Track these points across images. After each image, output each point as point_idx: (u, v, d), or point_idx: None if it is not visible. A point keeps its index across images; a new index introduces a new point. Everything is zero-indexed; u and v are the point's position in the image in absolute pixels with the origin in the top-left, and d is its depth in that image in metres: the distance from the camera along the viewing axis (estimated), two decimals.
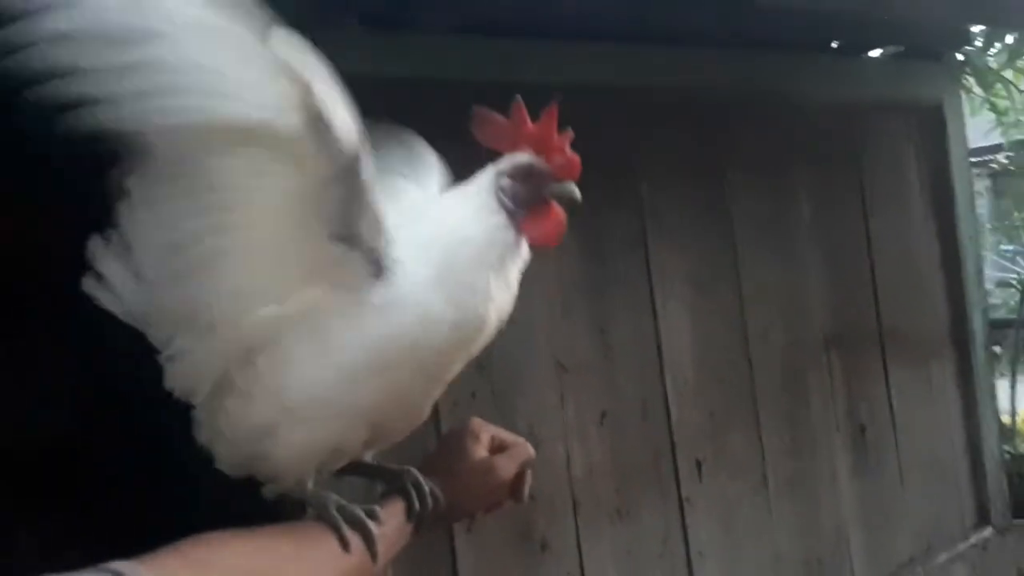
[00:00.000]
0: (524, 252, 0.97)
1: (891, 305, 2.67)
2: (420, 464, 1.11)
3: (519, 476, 1.12)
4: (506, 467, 1.09)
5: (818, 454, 2.44)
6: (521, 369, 1.88)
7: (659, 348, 2.13)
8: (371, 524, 0.92)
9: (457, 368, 1.03)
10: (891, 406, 2.64)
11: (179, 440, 0.94)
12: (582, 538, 1.94)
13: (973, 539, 2.78)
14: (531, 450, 1.13)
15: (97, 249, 0.89)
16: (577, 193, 0.96)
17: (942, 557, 2.66)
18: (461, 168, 1.86)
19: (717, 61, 2.23)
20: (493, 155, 1.00)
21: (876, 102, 2.68)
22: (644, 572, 2.05)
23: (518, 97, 0.95)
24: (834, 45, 2.71)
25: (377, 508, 0.96)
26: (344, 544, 0.89)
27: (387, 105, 1.69)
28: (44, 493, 1.22)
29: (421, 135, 1.76)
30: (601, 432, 2.02)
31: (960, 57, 2.97)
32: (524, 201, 0.94)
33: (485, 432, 1.11)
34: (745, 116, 2.34)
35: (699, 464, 2.18)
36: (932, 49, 2.82)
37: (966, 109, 4.52)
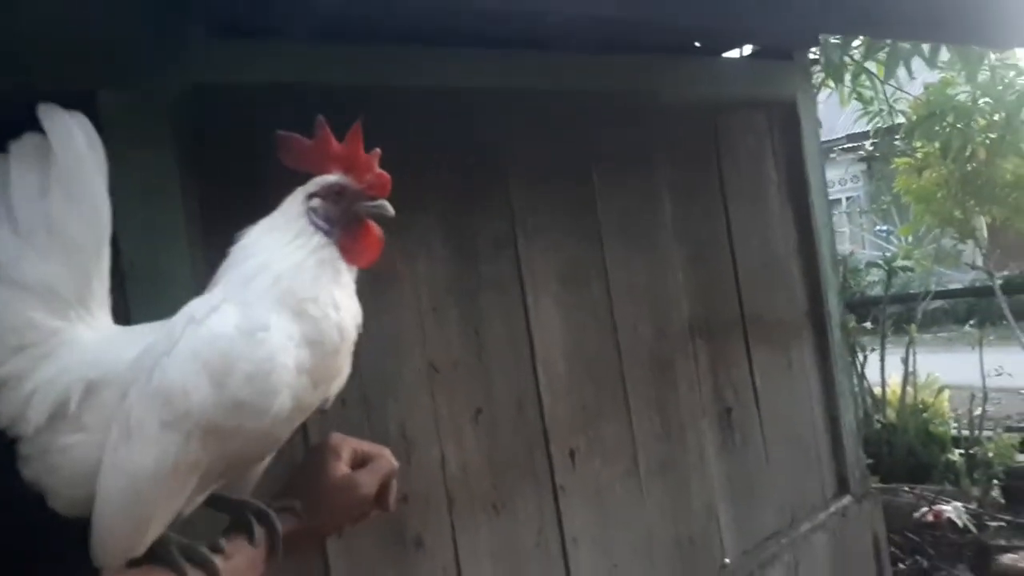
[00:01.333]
0: (353, 267, 0.99)
1: (752, 292, 2.83)
2: (282, 483, 1.11)
3: (383, 487, 1.12)
4: (368, 482, 1.08)
5: (687, 437, 2.57)
6: (392, 373, 1.91)
7: (531, 345, 2.19)
8: (216, 560, 0.91)
9: (328, 390, 1.01)
10: (755, 388, 2.81)
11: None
12: (457, 534, 1.99)
13: (833, 508, 2.99)
14: (393, 461, 1.13)
15: None
16: (390, 210, 0.98)
17: (804, 527, 2.85)
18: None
19: (581, 64, 2.30)
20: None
21: (734, 100, 2.83)
22: (521, 563, 2.12)
23: (321, 118, 0.96)
24: (696, 45, 2.84)
25: (223, 541, 0.96)
26: None
27: (242, 113, 1.69)
28: None
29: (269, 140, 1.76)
30: (476, 429, 2.07)
31: (813, 55, 3.15)
32: (337, 221, 0.95)
33: (346, 447, 1.10)
34: (609, 117, 2.43)
35: (572, 453, 2.26)
36: (786, 49, 2.99)
37: (837, 99, 4.83)
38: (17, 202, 0.88)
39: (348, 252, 0.95)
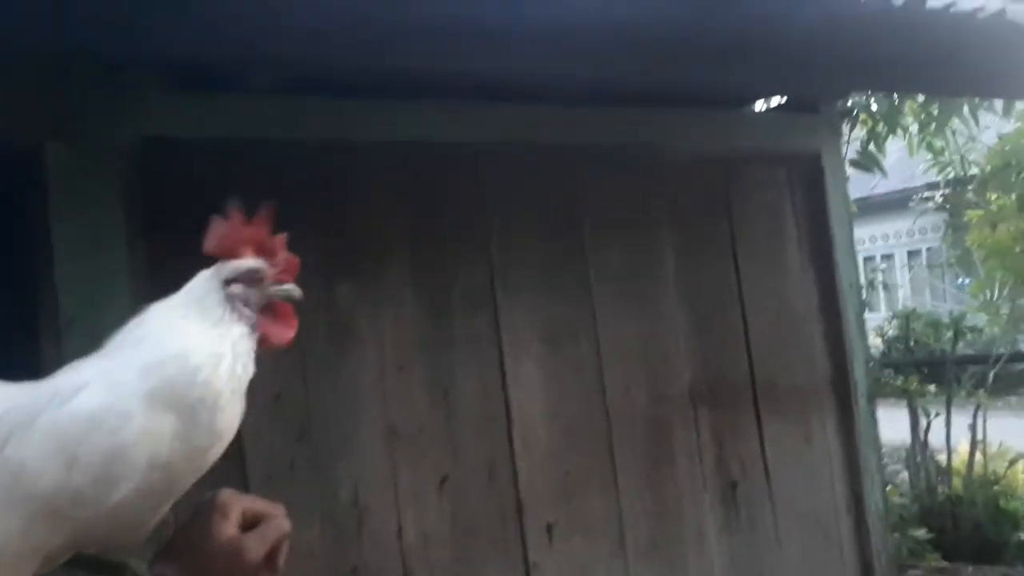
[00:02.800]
0: (257, 356, 0.96)
1: (765, 357, 2.65)
2: (162, 545, 1.05)
3: (273, 551, 1.01)
4: (256, 547, 0.98)
5: (684, 514, 2.39)
6: (347, 435, 1.83)
7: (508, 407, 2.09)
8: None
9: (189, 482, 0.97)
10: (765, 461, 2.62)
11: None
12: None
13: None
14: (286, 524, 1.02)
15: None
16: (298, 292, 0.96)
17: None
18: (286, 227, 1.81)
19: (572, 117, 2.22)
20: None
21: (749, 155, 2.69)
22: None
23: (234, 202, 0.94)
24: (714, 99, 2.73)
25: None
26: None
27: (195, 167, 1.66)
28: None
29: (241, 195, 1.73)
30: (441, 498, 1.96)
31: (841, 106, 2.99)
32: (256, 305, 0.94)
33: (236, 505, 1.00)
34: (605, 171, 2.33)
35: (550, 527, 2.13)
36: (811, 101, 2.84)
37: (906, 148, 4.62)
38: None
39: (268, 334, 0.93)
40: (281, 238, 0.98)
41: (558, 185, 2.21)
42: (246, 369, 0.92)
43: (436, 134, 1.96)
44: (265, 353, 0.98)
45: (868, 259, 13.95)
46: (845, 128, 4.35)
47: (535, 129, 2.13)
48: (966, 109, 4.12)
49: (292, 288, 0.97)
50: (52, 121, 1.49)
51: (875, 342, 10.85)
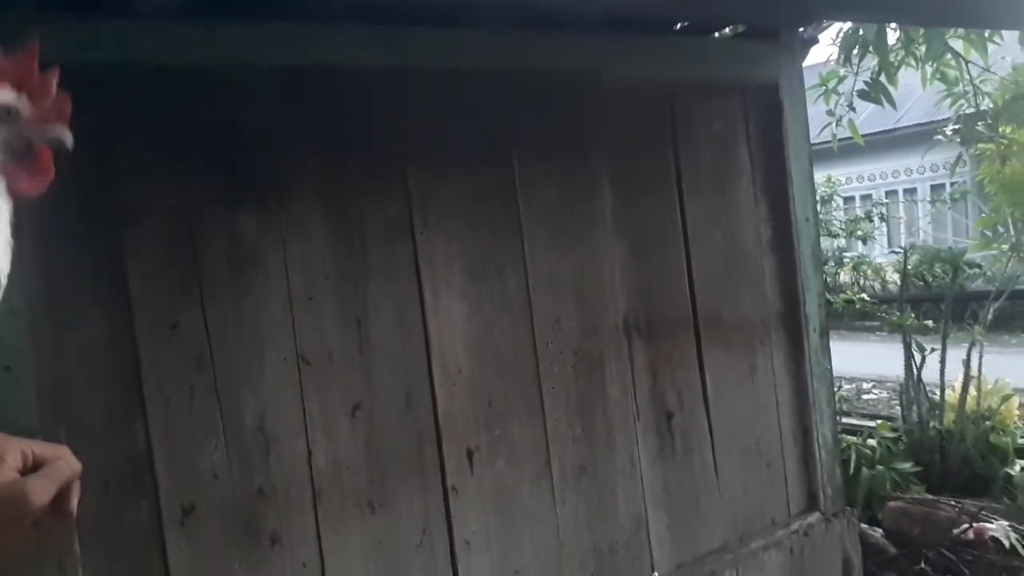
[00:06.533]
0: (13, 200, 0.86)
1: (708, 291, 2.63)
2: None
3: (62, 493, 0.97)
4: (40, 490, 0.95)
5: (614, 442, 2.42)
6: (251, 363, 1.86)
7: (426, 338, 2.10)
8: None
9: None
10: (705, 393, 2.62)
11: None
12: (322, 530, 1.94)
13: (795, 526, 2.78)
14: (75, 464, 0.99)
15: None
16: (69, 138, 0.87)
17: (755, 544, 2.66)
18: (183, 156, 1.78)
19: (500, 43, 2.16)
20: None
21: (697, 83, 2.61)
22: (399, 563, 2.05)
23: None
24: (678, 27, 2.64)
25: None
26: None
27: (89, 95, 1.66)
28: None
29: (134, 129, 1.72)
30: (353, 424, 2.00)
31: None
32: (7, 147, 0.85)
33: (12, 450, 0.96)
34: (538, 100, 2.28)
35: (470, 453, 2.17)
36: (771, 28, 2.73)
37: (919, 80, 4.45)
38: None
39: (14, 180, 0.84)
40: (53, 73, 0.87)
41: (484, 115, 2.17)
42: None
43: (346, 59, 1.92)
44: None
45: (890, 193, 13.58)
46: (854, 58, 4.19)
47: (458, 54, 2.09)
48: (960, 44, 3.95)
49: (60, 131, 0.87)
50: None
51: (893, 277, 10.70)
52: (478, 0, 2.02)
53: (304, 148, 1.94)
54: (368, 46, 1.97)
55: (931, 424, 4.86)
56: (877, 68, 4.08)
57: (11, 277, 0.85)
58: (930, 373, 4.93)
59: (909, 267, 6.08)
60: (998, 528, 3.86)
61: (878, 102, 4.15)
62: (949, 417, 4.82)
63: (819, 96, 4.45)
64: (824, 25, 2.99)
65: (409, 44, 2.04)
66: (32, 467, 0.96)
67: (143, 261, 1.72)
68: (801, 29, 2.77)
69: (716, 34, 2.83)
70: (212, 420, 1.80)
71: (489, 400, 2.20)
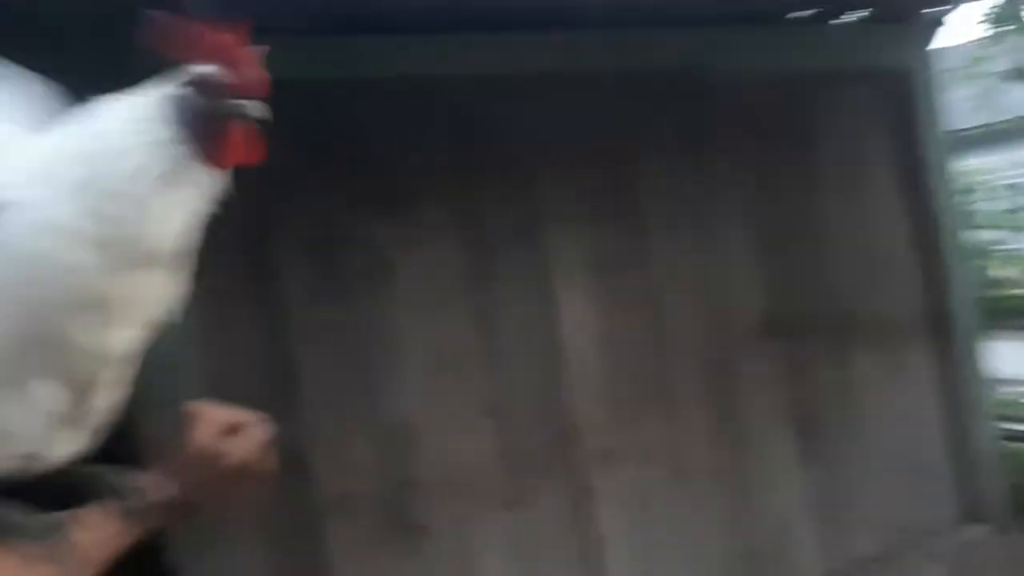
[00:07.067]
0: (206, 174, 0.87)
1: (849, 289, 2.53)
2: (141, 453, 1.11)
3: (258, 456, 1.04)
4: (235, 452, 1.02)
5: (751, 446, 2.35)
6: (392, 363, 1.94)
7: (558, 339, 2.13)
8: (62, 533, 0.88)
9: (137, 306, 0.87)
10: (848, 396, 2.51)
11: None
12: (465, 524, 1.99)
13: (958, 537, 2.59)
14: (269, 429, 1.05)
15: None
16: (263, 111, 0.86)
17: (911, 554, 2.50)
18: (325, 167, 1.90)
19: (623, 42, 2.18)
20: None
21: (829, 72, 2.55)
22: (541, 560, 2.06)
23: (202, 2, 0.86)
24: (804, 14, 2.60)
25: (69, 515, 0.91)
26: (33, 557, 0.85)
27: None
28: None
29: (279, 143, 1.85)
30: (490, 423, 2.05)
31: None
32: (201, 115, 0.84)
33: (213, 416, 1.04)
34: (664, 97, 2.30)
35: (606, 454, 2.16)
36: (902, 14, 2.64)
37: None
38: None
39: (204, 151, 0.84)
40: (260, 50, 0.87)
41: (607, 114, 2.20)
42: (183, 173, 0.84)
43: (470, 67, 2.01)
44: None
45: None
46: (1005, 35, 3.93)
47: (579, 57, 2.13)
48: None
49: (255, 104, 0.85)
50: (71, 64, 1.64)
51: None
52: (595, 4, 2.07)
53: (433, 155, 2.03)
54: (490, 54, 2.04)
55: None
56: None
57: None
58: None
59: None
60: None
61: None
62: None
63: (964, 79, 4.20)
64: (953, 5, 2.86)
65: (530, 50, 2.10)
66: (229, 432, 1.03)
67: (294, 265, 1.85)
68: (929, 10, 2.66)
69: (840, 20, 2.76)
70: (361, 416, 1.89)
71: (623, 401, 2.20)
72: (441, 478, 1.98)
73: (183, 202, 0.84)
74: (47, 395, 0.84)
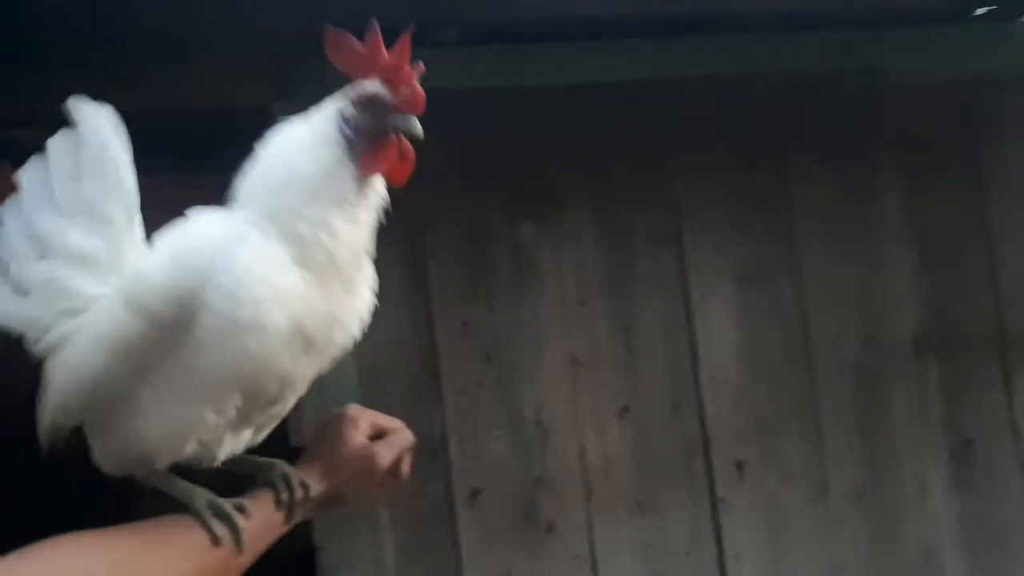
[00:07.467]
0: (375, 188, 0.92)
1: (1015, 305, 2.33)
2: (301, 453, 1.13)
3: (398, 459, 1.12)
4: (385, 453, 1.09)
5: (902, 468, 2.23)
6: (530, 361, 1.99)
7: (693, 345, 2.11)
8: (238, 517, 0.93)
9: (326, 325, 0.91)
10: (1013, 419, 2.33)
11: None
12: (594, 525, 2.01)
13: None
14: (410, 436, 1.13)
15: None
16: (418, 128, 0.90)
17: None
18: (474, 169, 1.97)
19: (773, 44, 2.12)
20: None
21: (1004, 75, 2.35)
22: (669, 568, 2.06)
23: (374, 22, 0.90)
24: (980, 11, 2.41)
25: (245, 501, 0.97)
26: (213, 538, 0.91)
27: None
28: None
29: (434, 146, 1.92)
30: (622, 426, 2.06)
31: None
32: (365, 132, 0.89)
33: (364, 418, 1.11)
34: (818, 101, 2.20)
35: (740, 465, 2.12)
36: None
37: None
38: (57, 187, 0.99)
39: (370, 165, 0.89)
40: (416, 69, 0.90)
41: (754, 117, 2.14)
42: (353, 200, 0.88)
43: (612, 73, 2.00)
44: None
45: None
46: None
47: (724, 60, 2.08)
48: None
49: (411, 121, 0.89)
50: (275, 83, 1.78)
51: None
52: (744, 7, 2.01)
53: (576, 159, 2.05)
54: (633, 59, 2.03)
55: None
56: None
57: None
58: None
59: None
60: None
61: None
62: None
63: None
64: None
65: (674, 54, 2.07)
66: (377, 435, 1.11)
67: (440, 263, 1.93)
68: None
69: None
70: (497, 411, 1.95)
71: (760, 412, 2.15)
72: (571, 477, 2.01)
73: (360, 217, 0.90)
74: (231, 408, 0.92)
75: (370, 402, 1.80)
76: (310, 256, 0.87)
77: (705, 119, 2.11)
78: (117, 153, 0.99)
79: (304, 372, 0.95)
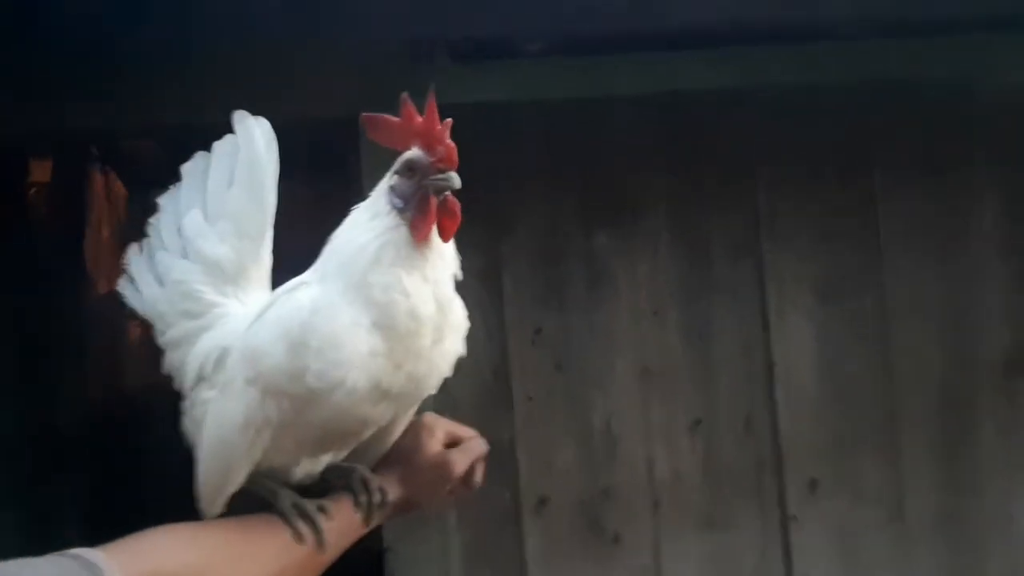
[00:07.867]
0: (436, 246, 0.95)
1: None
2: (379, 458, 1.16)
3: (471, 468, 1.13)
4: (460, 461, 1.11)
5: (986, 493, 2.14)
6: (601, 370, 1.98)
7: (769, 359, 2.06)
8: (320, 518, 0.97)
9: (412, 374, 0.97)
10: None
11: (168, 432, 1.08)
12: (661, 538, 1.99)
13: None
14: (484, 445, 1.14)
15: (132, 255, 1.10)
16: (455, 182, 0.93)
17: None
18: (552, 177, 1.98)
19: (857, 53, 2.05)
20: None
21: None
22: None
23: (405, 95, 0.94)
24: None
25: (328, 503, 1.00)
26: (297, 536, 0.95)
27: (483, 128, 1.91)
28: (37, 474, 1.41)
29: (515, 155, 1.93)
30: (693, 439, 2.03)
31: None
32: (410, 197, 0.93)
33: (440, 427, 1.13)
34: (904, 110, 2.12)
35: (813, 483, 2.07)
36: None
37: None
38: (210, 190, 1.05)
39: (419, 230, 0.92)
40: (446, 125, 0.93)
41: (840, 127, 2.07)
42: (416, 257, 0.92)
43: (694, 82, 1.97)
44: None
45: None
46: None
47: (809, 70, 2.02)
48: None
49: (446, 177, 0.92)
50: (362, 95, 1.81)
51: None
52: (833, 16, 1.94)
53: (654, 169, 2.02)
54: (715, 69, 1.99)
55: None
56: None
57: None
58: None
59: None
60: None
61: None
62: None
63: None
64: None
65: (757, 63, 2.02)
66: (452, 443, 1.13)
67: (514, 270, 1.93)
68: None
69: None
70: (566, 420, 1.95)
71: (837, 429, 2.08)
72: (639, 489, 1.99)
73: (428, 275, 0.93)
74: (312, 447, 1.00)
75: (442, 408, 1.83)
76: (388, 316, 0.92)
77: (789, 128, 2.06)
78: (265, 169, 1.05)
79: (382, 415, 1.00)
